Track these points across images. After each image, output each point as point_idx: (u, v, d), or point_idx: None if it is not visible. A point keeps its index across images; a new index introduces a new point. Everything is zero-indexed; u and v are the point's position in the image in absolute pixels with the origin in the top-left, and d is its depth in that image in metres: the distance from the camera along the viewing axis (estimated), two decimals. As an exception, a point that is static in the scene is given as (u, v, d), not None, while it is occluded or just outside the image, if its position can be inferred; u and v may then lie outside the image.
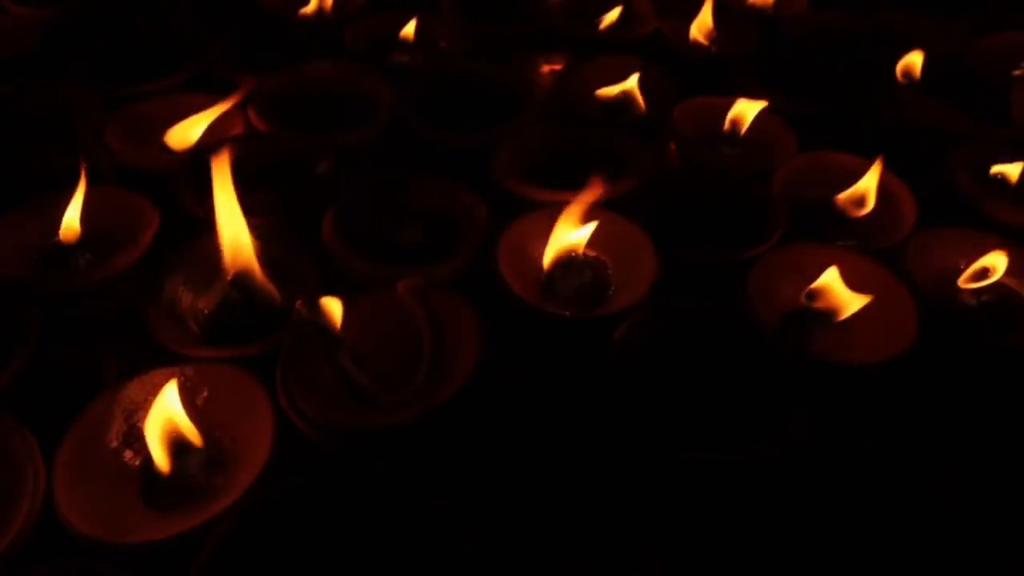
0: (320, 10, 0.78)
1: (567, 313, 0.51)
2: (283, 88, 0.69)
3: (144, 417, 0.43)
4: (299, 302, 0.47)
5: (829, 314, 0.51)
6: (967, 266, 0.56)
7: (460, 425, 0.46)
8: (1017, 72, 0.73)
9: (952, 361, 0.52)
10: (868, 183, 0.59)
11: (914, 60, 0.73)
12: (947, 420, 0.51)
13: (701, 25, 0.78)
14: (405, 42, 0.76)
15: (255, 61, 0.73)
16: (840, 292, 0.50)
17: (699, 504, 0.46)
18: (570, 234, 0.53)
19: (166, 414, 0.43)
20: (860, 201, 0.59)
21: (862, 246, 0.57)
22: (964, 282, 0.55)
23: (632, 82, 0.69)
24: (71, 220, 0.54)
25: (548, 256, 0.53)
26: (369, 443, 0.44)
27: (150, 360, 0.47)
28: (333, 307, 0.47)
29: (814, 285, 0.51)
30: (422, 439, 0.45)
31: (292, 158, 0.63)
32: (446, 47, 0.77)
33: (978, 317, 0.55)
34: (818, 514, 0.47)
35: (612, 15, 0.80)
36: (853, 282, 0.54)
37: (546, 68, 0.79)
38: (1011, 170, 0.62)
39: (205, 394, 0.46)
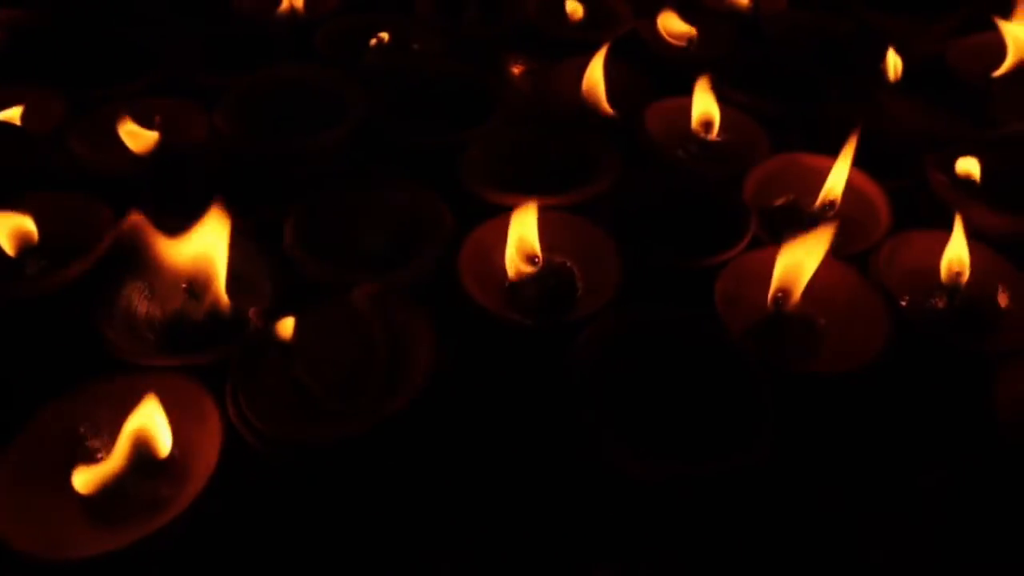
0: (292, 12, 0.77)
1: (527, 321, 0.50)
2: (251, 91, 0.68)
3: (93, 427, 0.42)
4: (252, 311, 0.46)
5: (791, 303, 0.50)
6: (941, 270, 0.55)
7: (415, 436, 0.45)
8: (996, 73, 0.72)
9: (925, 367, 0.51)
10: (833, 184, 0.58)
11: (893, 61, 0.72)
12: (919, 428, 0.50)
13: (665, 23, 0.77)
14: (378, 43, 0.75)
15: (225, 64, 0.72)
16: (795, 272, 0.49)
17: (663, 518, 0.45)
18: (520, 235, 0.51)
19: (144, 423, 0.42)
20: (829, 203, 0.58)
21: (834, 250, 0.56)
22: (937, 287, 0.54)
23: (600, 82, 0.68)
24: (24, 225, 0.53)
25: (508, 261, 0.51)
26: (318, 455, 0.43)
27: (99, 369, 0.46)
28: (287, 316, 0.46)
29: (775, 286, 0.50)
30: (376, 450, 0.44)
31: (256, 162, 0.62)
32: (420, 48, 0.76)
33: (951, 322, 0.53)
34: (785, 527, 0.46)
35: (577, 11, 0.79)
36: (824, 287, 0.53)
37: (522, 69, 0.78)
38: (975, 166, 0.60)
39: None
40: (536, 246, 0.52)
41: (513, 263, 0.51)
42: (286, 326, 0.46)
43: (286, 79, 0.69)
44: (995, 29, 0.74)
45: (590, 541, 0.45)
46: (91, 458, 0.42)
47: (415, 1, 0.80)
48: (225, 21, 0.77)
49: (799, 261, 0.49)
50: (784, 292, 0.50)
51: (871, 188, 0.60)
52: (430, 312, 0.47)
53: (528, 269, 0.52)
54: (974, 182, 0.61)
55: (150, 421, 0.41)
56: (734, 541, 0.45)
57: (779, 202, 0.62)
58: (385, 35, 0.75)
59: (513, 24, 0.80)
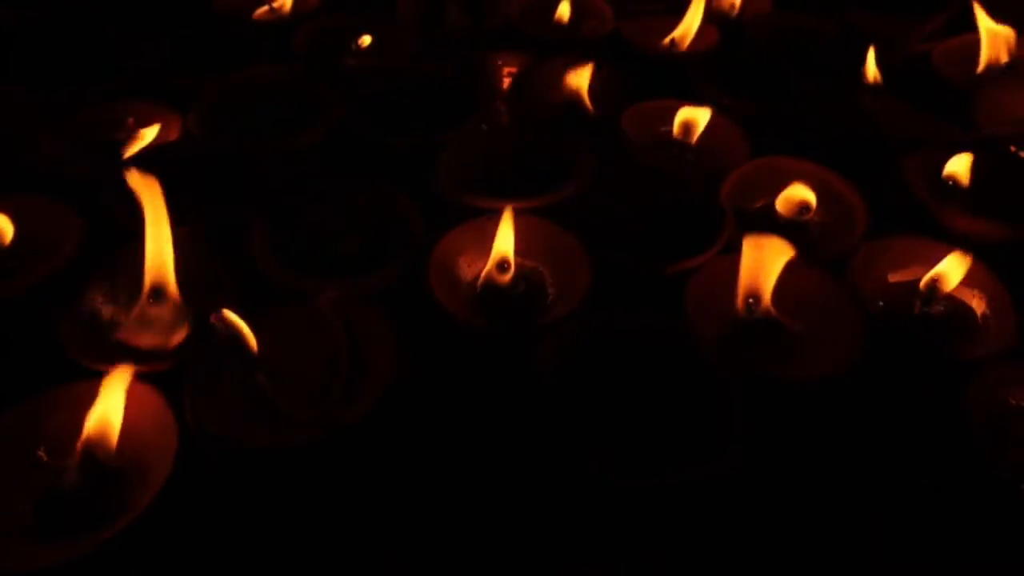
0: (272, 12, 0.77)
1: (493, 327, 0.49)
2: (227, 92, 0.67)
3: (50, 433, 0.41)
4: (213, 316, 0.46)
5: (762, 308, 0.49)
6: (918, 276, 0.54)
7: (380, 443, 0.44)
8: (980, 71, 0.71)
9: (901, 375, 0.51)
10: (801, 189, 0.57)
11: (874, 62, 0.71)
12: (894, 436, 0.49)
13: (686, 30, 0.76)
14: (357, 44, 0.75)
15: (204, 64, 0.71)
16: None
17: (640, 520, 0.45)
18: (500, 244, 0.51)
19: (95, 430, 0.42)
20: (803, 207, 0.57)
21: (811, 255, 0.56)
22: (914, 293, 0.54)
23: (583, 84, 0.67)
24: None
25: (486, 269, 0.51)
26: (274, 462, 0.43)
27: (62, 374, 0.46)
28: (248, 321, 0.45)
29: (742, 290, 0.49)
30: (336, 458, 0.43)
31: (230, 164, 0.62)
32: (400, 49, 0.75)
33: (927, 328, 0.53)
34: (760, 532, 0.45)
35: (562, 11, 0.78)
36: (798, 292, 0.52)
37: (504, 70, 0.77)
38: (961, 169, 0.60)
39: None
40: (511, 254, 0.51)
41: (490, 271, 0.50)
42: (247, 331, 0.45)
43: (263, 80, 0.69)
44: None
45: (564, 544, 0.44)
46: (44, 466, 0.42)
47: (398, 2, 0.80)
48: (205, 21, 0.77)
49: (764, 263, 0.48)
50: (754, 296, 0.49)
51: (848, 191, 0.59)
52: (391, 319, 0.46)
53: (502, 278, 0.51)
54: (955, 185, 0.60)
55: (102, 427, 0.40)
56: (712, 543, 0.44)
57: (757, 205, 0.61)
58: (366, 38, 0.74)
59: (495, 25, 0.79)
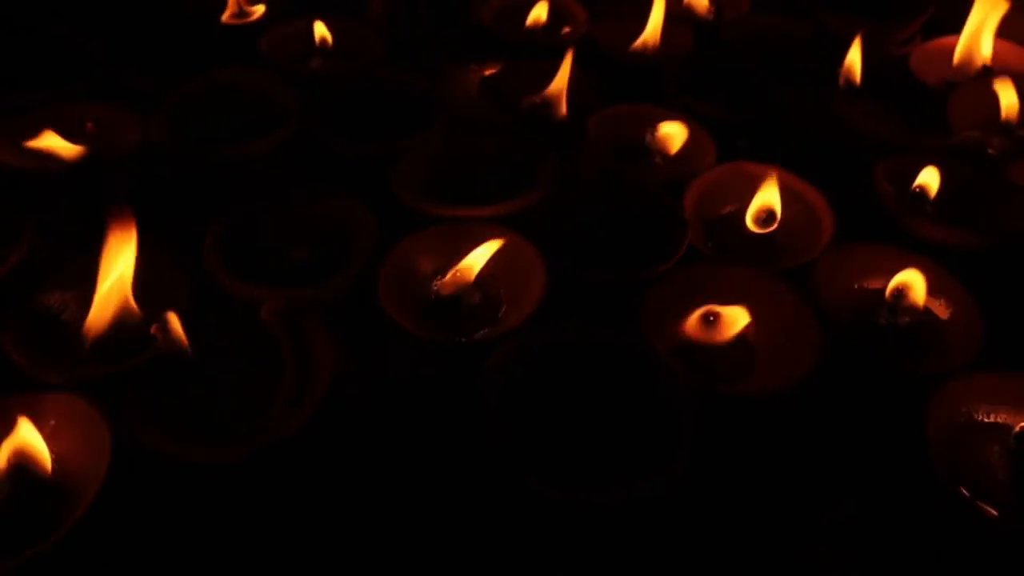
0: (238, 14, 0.76)
1: (443, 338, 0.48)
2: (188, 96, 0.66)
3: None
4: (154, 326, 0.45)
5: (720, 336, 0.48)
6: (883, 286, 0.53)
7: (313, 458, 0.43)
8: (957, 79, 0.70)
9: (861, 391, 0.49)
10: (767, 196, 0.56)
11: (853, 66, 0.70)
12: (851, 453, 0.48)
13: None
14: (323, 48, 0.74)
15: (169, 66, 0.70)
16: (728, 312, 0.47)
17: (574, 543, 0.44)
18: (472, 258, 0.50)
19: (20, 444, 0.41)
20: (770, 216, 0.56)
21: (773, 264, 0.55)
22: (880, 303, 0.52)
23: (553, 87, 0.66)
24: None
25: (444, 278, 0.50)
26: (211, 476, 0.42)
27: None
28: (191, 331, 0.45)
29: (700, 312, 0.48)
30: (271, 471, 0.42)
31: (189, 169, 0.61)
32: (366, 53, 0.74)
33: (890, 341, 0.51)
34: (702, 555, 0.44)
35: (538, 14, 0.77)
36: (759, 303, 0.51)
37: (472, 74, 0.76)
38: (930, 179, 0.58)
39: (52, 423, 0.43)
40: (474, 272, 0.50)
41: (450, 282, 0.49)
42: (188, 341, 0.44)
43: (226, 84, 0.68)
44: (958, 34, 0.72)
45: (504, 561, 0.43)
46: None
47: (367, 5, 0.79)
48: (170, 22, 0.76)
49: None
50: (712, 314, 0.48)
51: (815, 198, 0.58)
52: (334, 329, 0.45)
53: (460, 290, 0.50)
54: (924, 193, 0.58)
55: (28, 442, 0.39)
56: (658, 561, 0.44)
57: (723, 212, 0.60)
58: (328, 37, 0.73)
59: (466, 28, 0.78)
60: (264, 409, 0.44)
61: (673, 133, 0.63)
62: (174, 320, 0.44)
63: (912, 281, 0.52)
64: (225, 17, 0.76)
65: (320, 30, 0.73)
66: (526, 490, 0.40)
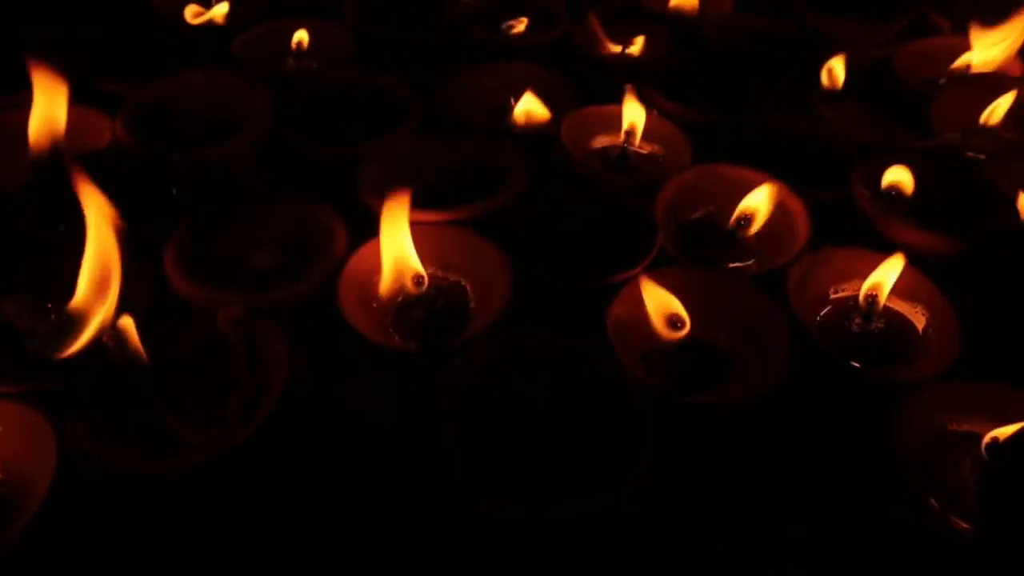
0: (212, 16, 0.75)
1: (404, 346, 0.47)
2: (158, 98, 0.65)
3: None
4: (105, 335, 0.44)
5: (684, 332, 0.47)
6: (856, 290, 0.52)
7: (266, 468, 0.42)
8: (941, 80, 0.69)
9: (833, 399, 0.48)
10: (754, 202, 0.55)
11: (831, 67, 0.69)
12: (821, 462, 0.47)
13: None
14: (297, 51, 0.73)
15: (136, 68, 0.69)
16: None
17: (537, 559, 0.42)
18: (396, 252, 0.48)
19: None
20: (747, 220, 0.55)
21: (747, 268, 0.54)
22: (854, 308, 0.51)
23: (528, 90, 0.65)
24: None
25: (384, 279, 0.48)
26: (160, 487, 0.41)
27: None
28: (143, 336, 0.44)
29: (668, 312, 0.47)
30: (221, 481, 0.41)
31: (154, 173, 0.60)
32: (339, 55, 0.73)
33: (864, 347, 0.50)
34: (670, 565, 0.43)
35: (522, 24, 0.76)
36: (731, 308, 0.50)
37: (447, 76, 0.74)
38: (902, 179, 0.57)
39: (-1, 431, 0.43)
40: (415, 262, 0.48)
41: (389, 282, 0.48)
42: (140, 348, 0.43)
43: (196, 85, 0.67)
44: (942, 34, 0.71)
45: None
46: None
47: (344, 8, 0.78)
48: (143, 23, 0.75)
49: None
50: (677, 319, 0.47)
51: (792, 202, 0.57)
52: (292, 336, 0.44)
53: (412, 289, 0.49)
54: (899, 196, 0.57)
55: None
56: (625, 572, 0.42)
57: (696, 215, 0.59)
58: (304, 40, 0.72)
59: (443, 29, 0.77)
60: (217, 419, 0.43)
61: (634, 120, 0.62)
62: (129, 328, 0.43)
63: (881, 279, 0.50)
64: (195, 19, 0.75)
65: (300, 35, 0.72)
66: (481, 511, 0.39)
